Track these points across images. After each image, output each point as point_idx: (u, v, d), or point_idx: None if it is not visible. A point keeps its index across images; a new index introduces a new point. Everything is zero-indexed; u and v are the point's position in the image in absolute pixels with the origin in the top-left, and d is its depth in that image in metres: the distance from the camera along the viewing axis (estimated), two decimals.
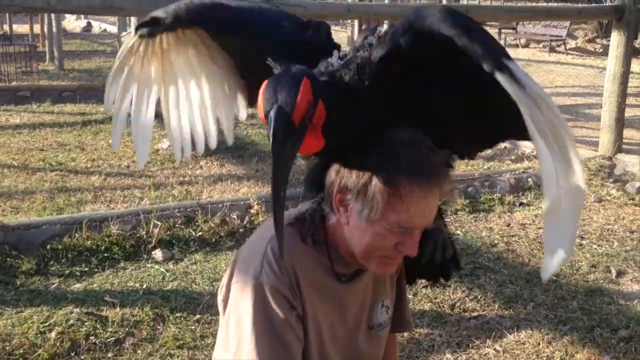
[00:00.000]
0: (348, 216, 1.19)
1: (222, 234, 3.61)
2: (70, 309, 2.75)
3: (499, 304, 3.02)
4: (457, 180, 4.45)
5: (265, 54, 1.19)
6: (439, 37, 1.00)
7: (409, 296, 2.98)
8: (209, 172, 5.09)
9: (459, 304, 3.01)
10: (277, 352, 1.17)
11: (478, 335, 2.77)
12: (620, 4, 5.22)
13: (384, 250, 1.19)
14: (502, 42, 15.95)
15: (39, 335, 2.55)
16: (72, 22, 19.38)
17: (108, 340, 2.57)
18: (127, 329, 2.65)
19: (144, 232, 3.46)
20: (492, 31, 18.81)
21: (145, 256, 3.35)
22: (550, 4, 7.34)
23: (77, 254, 3.28)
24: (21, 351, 2.45)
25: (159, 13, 1.31)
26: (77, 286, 3.01)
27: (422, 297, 3.05)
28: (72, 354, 2.48)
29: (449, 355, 2.62)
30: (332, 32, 1.33)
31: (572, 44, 15.97)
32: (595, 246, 3.72)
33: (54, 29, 10.35)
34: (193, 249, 3.46)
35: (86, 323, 2.65)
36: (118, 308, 2.78)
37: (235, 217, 3.70)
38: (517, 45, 16.12)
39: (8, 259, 3.15)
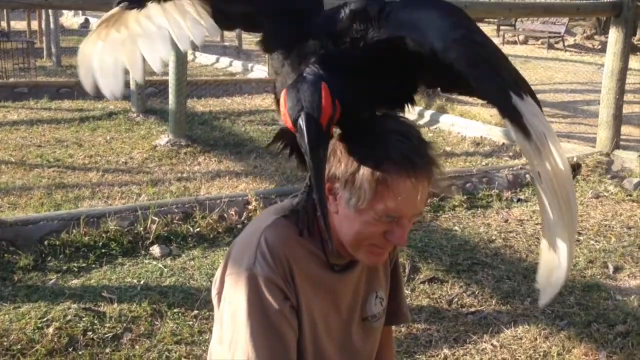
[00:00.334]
0: (337, 205, 1.20)
1: (220, 230, 3.61)
2: (68, 304, 2.74)
3: (497, 300, 3.03)
4: (454, 176, 4.46)
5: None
6: (452, 66, 1.01)
7: (407, 292, 2.99)
8: (207, 168, 5.09)
9: (456, 299, 3.02)
10: (272, 343, 1.17)
11: (475, 330, 2.78)
12: (618, 0, 5.21)
13: (373, 239, 1.20)
14: (500, 39, 16.01)
15: (36, 330, 2.55)
16: (70, 19, 19.34)
17: (106, 335, 2.57)
18: (124, 324, 2.65)
19: (141, 228, 3.46)
20: (491, 27, 18.86)
21: (143, 252, 3.35)
22: (548, 1, 7.36)
23: (75, 250, 3.28)
24: (19, 347, 2.45)
25: None
26: (75, 282, 3.01)
27: (419, 292, 3.06)
28: (70, 350, 2.48)
29: (446, 351, 2.63)
30: None
31: (570, 40, 15.98)
32: (592, 242, 3.73)
33: (52, 26, 10.32)
34: (191, 245, 3.46)
35: (84, 319, 2.65)
36: (116, 304, 2.78)
37: (233, 213, 3.70)
38: (515, 42, 16.13)
39: (6, 255, 3.15)
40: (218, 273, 1.28)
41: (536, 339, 2.71)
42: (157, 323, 2.69)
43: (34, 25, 12.74)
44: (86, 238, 3.33)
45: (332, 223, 1.24)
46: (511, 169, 4.76)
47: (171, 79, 5.56)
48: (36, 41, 11.52)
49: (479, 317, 2.89)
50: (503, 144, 6.09)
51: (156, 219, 3.50)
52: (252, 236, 1.24)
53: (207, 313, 2.76)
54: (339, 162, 1.17)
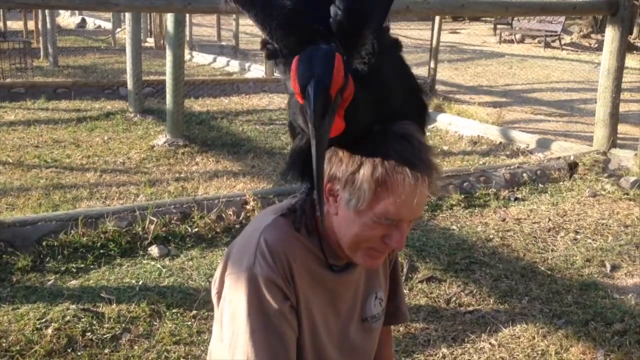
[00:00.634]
0: (337, 206, 1.20)
1: (218, 230, 3.61)
2: (67, 305, 2.75)
3: (495, 299, 3.04)
4: (452, 175, 4.47)
5: None
6: None
7: (405, 291, 3.00)
8: (204, 168, 5.09)
9: (454, 298, 3.02)
10: (272, 344, 1.17)
11: (473, 329, 2.79)
12: None
13: (371, 242, 1.20)
14: (497, 38, 16.03)
15: (35, 331, 2.55)
16: (67, 19, 19.30)
17: (104, 336, 2.57)
18: (123, 325, 2.65)
19: (139, 229, 3.46)
20: (487, 26, 18.88)
21: (141, 252, 3.35)
22: (545, 0, 7.35)
23: (73, 251, 3.28)
24: (18, 348, 2.45)
25: None
26: (73, 283, 3.01)
27: (417, 292, 3.07)
28: (69, 350, 2.48)
29: (444, 350, 2.64)
30: None
31: (567, 39, 16.01)
32: (590, 240, 3.74)
33: (48, 26, 10.31)
34: (189, 245, 3.46)
35: (82, 319, 2.65)
36: (114, 304, 2.78)
37: (231, 213, 3.71)
38: (512, 41, 16.14)
39: (4, 256, 3.15)
40: (217, 273, 1.29)
41: (534, 337, 2.72)
42: (155, 323, 2.69)
43: (31, 25, 12.71)
44: (84, 239, 3.33)
45: (331, 224, 1.24)
46: (508, 167, 4.77)
47: (168, 78, 5.56)
48: (33, 41, 11.50)
49: (477, 316, 2.90)
50: (500, 142, 6.10)
51: (154, 219, 3.50)
52: (252, 236, 1.24)
53: (206, 313, 2.76)
54: (340, 161, 1.18)
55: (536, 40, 15.79)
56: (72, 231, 3.34)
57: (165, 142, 5.58)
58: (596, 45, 14.76)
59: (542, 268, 3.35)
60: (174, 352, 2.51)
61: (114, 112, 6.87)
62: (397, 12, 4.75)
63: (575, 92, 9.60)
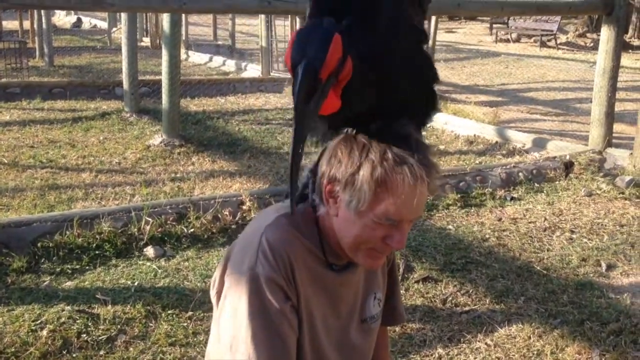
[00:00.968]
0: (337, 208, 1.20)
1: (214, 231, 3.60)
2: (62, 306, 2.74)
3: (490, 299, 3.04)
4: (449, 175, 4.47)
5: None
6: None
7: (401, 291, 3.00)
8: (200, 168, 5.08)
9: (450, 298, 3.03)
10: (273, 344, 1.17)
11: (469, 329, 2.79)
12: None
13: (372, 243, 1.20)
14: (493, 37, 16.05)
15: (30, 333, 2.55)
16: (62, 18, 19.26)
17: (100, 338, 2.57)
18: (119, 326, 2.65)
19: (135, 229, 3.45)
20: (484, 25, 18.89)
21: (136, 253, 3.34)
22: None
23: (68, 252, 3.27)
24: (13, 349, 2.44)
25: None
26: (69, 284, 3.00)
27: (413, 292, 3.07)
28: (64, 352, 2.47)
29: (440, 350, 2.64)
30: None
31: (562, 38, 16.04)
32: (585, 240, 3.75)
33: (44, 25, 10.28)
34: (185, 246, 3.46)
35: (78, 321, 2.64)
36: (110, 306, 2.78)
37: (227, 213, 3.70)
38: (508, 40, 16.17)
39: None
40: (217, 273, 1.28)
41: (530, 337, 2.73)
42: (151, 325, 2.69)
43: (26, 24, 12.67)
44: (80, 239, 3.32)
45: (331, 226, 1.24)
46: (504, 167, 4.77)
47: (164, 78, 5.55)
48: (28, 41, 11.46)
49: (473, 316, 2.90)
50: (496, 142, 6.11)
51: (150, 219, 3.49)
52: (253, 235, 1.24)
53: (202, 314, 2.75)
54: (339, 162, 1.18)
55: (532, 40, 15.82)
56: (68, 232, 3.33)
57: (161, 142, 5.57)
58: (592, 44, 14.80)
59: (538, 268, 3.35)
60: (170, 354, 2.51)
61: (110, 112, 6.85)
62: None
63: (570, 92, 9.62)
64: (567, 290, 3.12)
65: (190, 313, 2.77)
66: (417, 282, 3.15)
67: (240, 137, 6.10)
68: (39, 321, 2.62)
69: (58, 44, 12.04)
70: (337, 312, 1.32)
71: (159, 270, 3.16)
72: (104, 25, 15.48)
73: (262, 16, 9.54)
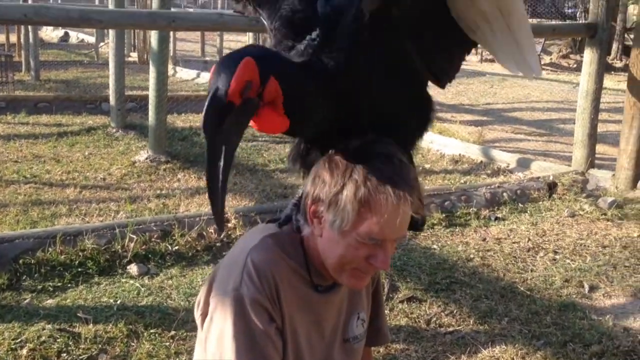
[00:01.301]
0: (322, 228, 1.21)
1: (199, 248, 3.59)
2: (43, 325, 2.70)
3: (474, 319, 3.04)
4: (434, 194, 4.49)
5: None
6: None
7: (386, 311, 2.99)
8: (186, 185, 5.06)
9: (434, 319, 3.03)
10: None
11: (453, 350, 2.79)
12: (593, 21, 5.33)
13: (356, 262, 1.21)
14: (478, 57, 16.22)
15: (9, 352, 2.51)
16: (49, 32, 19.18)
17: (80, 357, 2.53)
18: (100, 345, 2.61)
19: (119, 247, 3.43)
20: None
21: (120, 271, 3.31)
22: None
23: (51, 269, 3.23)
24: None
25: None
26: (50, 302, 2.96)
27: (398, 312, 3.07)
28: None
29: None
30: None
31: (546, 59, 16.27)
32: (568, 261, 3.77)
33: (31, 39, 10.23)
34: (169, 264, 3.43)
35: (58, 340, 2.61)
36: (91, 324, 2.74)
37: (212, 231, 3.68)
38: (493, 60, 16.35)
39: None
40: (202, 294, 1.28)
41: (513, 359, 2.73)
42: (133, 344, 2.66)
43: (13, 38, 12.62)
44: (62, 257, 3.29)
45: (316, 246, 1.25)
46: (489, 187, 4.81)
47: (151, 95, 5.55)
48: (14, 54, 11.40)
49: (457, 336, 2.90)
50: (481, 161, 6.16)
51: (134, 237, 3.47)
52: (239, 257, 1.25)
53: (185, 334, 2.73)
54: (323, 183, 1.19)
55: None
56: (50, 249, 3.29)
57: (147, 158, 5.55)
58: (575, 65, 15.02)
59: (522, 288, 3.37)
60: None
61: (96, 127, 6.82)
62: None
63: (554, 112, 9.73)
64: (551, 312, 3.13)
65: (173, 332, 2.75)
66: (402, 302, 3.15)
67: None
68: (19, 340, 2.58)
69: (45, 57, 11.99)
70: (321, 331, 1.33)
71: (142, 289, 3.13)
72: (91, 39, 15.44)
73: (250, 33, 9.59)
